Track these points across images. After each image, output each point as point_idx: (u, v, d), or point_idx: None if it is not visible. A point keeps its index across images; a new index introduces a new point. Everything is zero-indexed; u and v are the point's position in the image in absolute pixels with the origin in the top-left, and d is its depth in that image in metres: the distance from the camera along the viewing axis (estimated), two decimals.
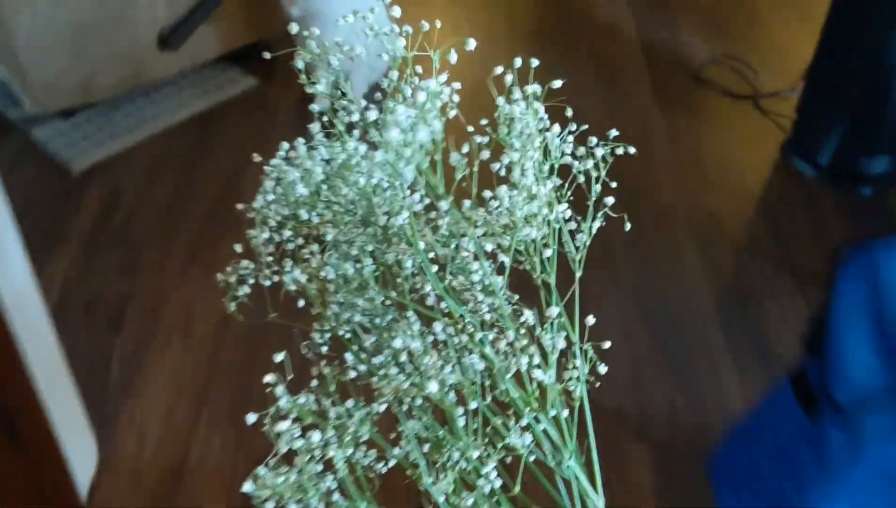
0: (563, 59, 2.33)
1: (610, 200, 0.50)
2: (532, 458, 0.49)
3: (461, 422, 0.49)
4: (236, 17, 2.26)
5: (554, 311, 0.48)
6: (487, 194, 0.50)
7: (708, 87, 2.29)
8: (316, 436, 0.47)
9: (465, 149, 0.50)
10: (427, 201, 0.51)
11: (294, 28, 0.51)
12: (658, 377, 1.60)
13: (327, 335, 0.53)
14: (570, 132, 0.50)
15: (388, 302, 0.53)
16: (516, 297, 0.51)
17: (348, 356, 0.52)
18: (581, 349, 0.49)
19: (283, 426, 0.46)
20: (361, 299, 0.52)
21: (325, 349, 0.53)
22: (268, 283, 0.52)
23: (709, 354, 1.64)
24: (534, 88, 0.49)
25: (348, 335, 0.53)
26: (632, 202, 1.69)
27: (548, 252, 0.50)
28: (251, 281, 0.53)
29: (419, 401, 0.49)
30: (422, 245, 0.50)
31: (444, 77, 0.48)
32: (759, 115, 2.19)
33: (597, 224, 0.51)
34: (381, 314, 0.52)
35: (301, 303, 0.53)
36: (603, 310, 1.66)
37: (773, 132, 2.12)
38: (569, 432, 0.50)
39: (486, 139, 0.49)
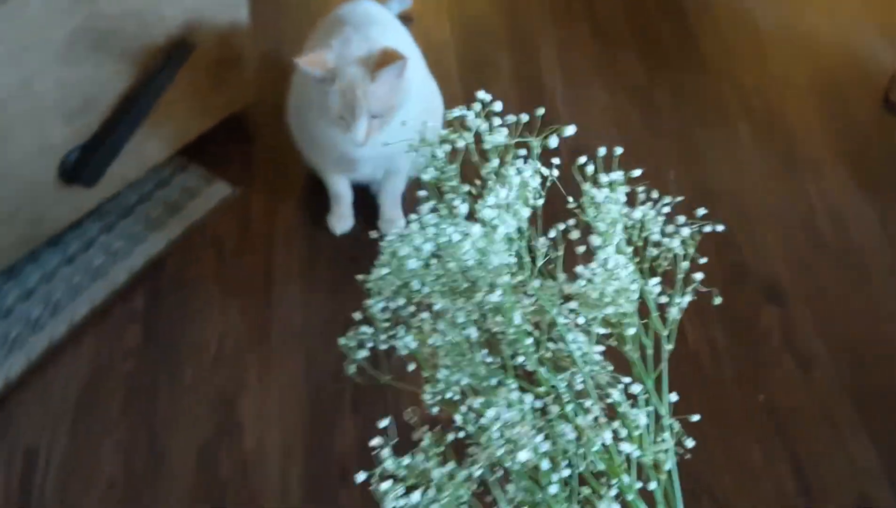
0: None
1: (699, 275, 0.51)
2: None
3: (553, 489, 0.50)
4: (191, 93, 1.65)
5: (637, 388, 0.49)
6: (579, 268, 0.53)
7: None
8: (416, 496, 0.50)
9: (552, 233, 0.53)
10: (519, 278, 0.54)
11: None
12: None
13: (437, 397, 0.56)
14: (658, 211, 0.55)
15: (491, 366, 0.55)
16: (610, 368, 0.52)
17: (457, 417, 0.54)
18: (669, 423, 0.50)
19: (386, 485, 0.50)
20: (467, 362, 0.54)
21: (435, 409, 0.55)
22: (383, 347, 0.57)
23: None
24: (616, 175, 0.52)
25: (456, 397, 0.55)
26: None
27: (631, 330, 0.50)
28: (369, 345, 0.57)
29: (517, 466, 0.50)
30: (517, 318, 0.51)
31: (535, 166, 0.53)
32: None
33: (687, 299, 0.51)
34: (485, 378, 0.54)
35: (411, 367, 0.57)
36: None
37: None
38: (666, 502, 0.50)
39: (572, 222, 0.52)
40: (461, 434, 0.53)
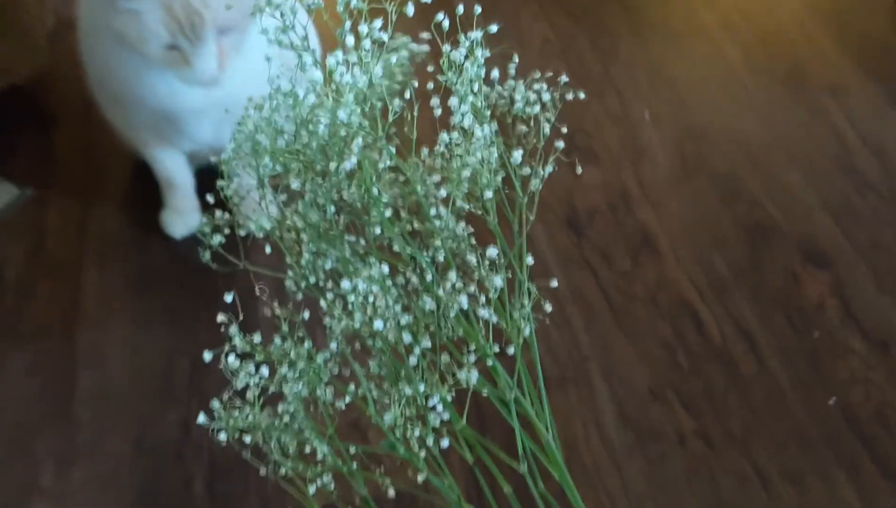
0: None
1: (560, 144, 0.57)
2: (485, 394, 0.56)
3: (413, 360, 0.54)
4: None
5: (492, 252, 0.54)
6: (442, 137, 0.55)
7: None
8: (264, 371, 0.54)
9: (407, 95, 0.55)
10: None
11: None
12: None
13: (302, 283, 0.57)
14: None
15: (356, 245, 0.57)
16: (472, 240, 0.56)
17: (323, 303, 0.55)
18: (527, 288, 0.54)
19: (235, 362, 0.53)
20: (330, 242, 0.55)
21: (300, 295, 0.57)
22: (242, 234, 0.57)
23: None
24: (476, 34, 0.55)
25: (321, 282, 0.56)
26: None
27: (488, 194, 0.55)
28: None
29: (379, 343, 0.54)
30: (374, 189, 0.53)
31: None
32: None
33: (548, 169, 0.57)
34: (349, 261, 0.55)
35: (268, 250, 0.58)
36: None
37: None
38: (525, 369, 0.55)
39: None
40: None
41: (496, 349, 0.57)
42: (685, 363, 1.05)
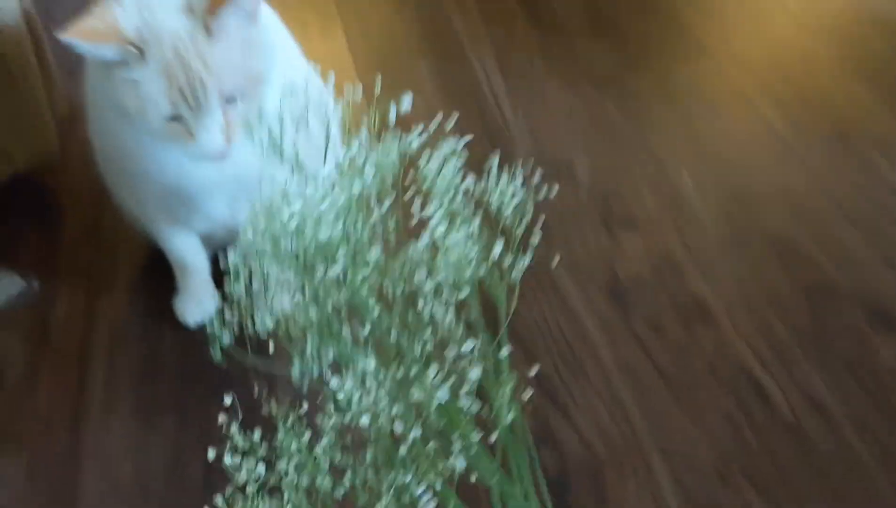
0: None
1: (536, 239, 0.55)
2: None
3: (403, 451, 0.55)
4: None
5: (468, 346, 0.55)
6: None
7: None
8: (261, 468, 0.56)
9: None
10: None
11: None
12: None
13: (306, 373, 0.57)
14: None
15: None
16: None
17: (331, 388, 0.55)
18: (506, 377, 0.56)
19: (232, 461, 0.56)
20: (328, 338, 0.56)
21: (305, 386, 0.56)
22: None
23: None
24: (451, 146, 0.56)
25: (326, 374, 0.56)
26: None
27: (465, 292, 0.56)
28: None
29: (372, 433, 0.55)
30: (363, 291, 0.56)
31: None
32: None
33: (526, 260, 0.56)
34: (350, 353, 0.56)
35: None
36: None
37: None
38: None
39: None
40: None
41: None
42: (752, 440, 0.94)
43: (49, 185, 1.28)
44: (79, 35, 0.81)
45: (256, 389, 0.63)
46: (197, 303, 1.09)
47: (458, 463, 0.55)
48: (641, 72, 1.47)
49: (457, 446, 0.56)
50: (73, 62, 1.25)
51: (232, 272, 0.58)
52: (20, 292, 1.14)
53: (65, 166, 1.30)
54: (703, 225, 1.19)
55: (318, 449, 0.57)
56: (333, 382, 0.55)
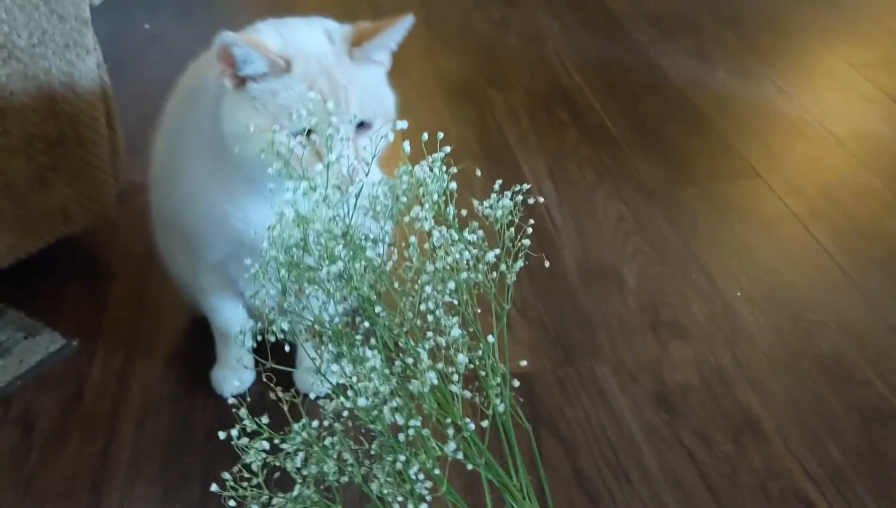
0: None
1: (527, 241, 0.64)
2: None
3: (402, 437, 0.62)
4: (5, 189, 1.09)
5: (455, 332, 0.62)
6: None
7: None
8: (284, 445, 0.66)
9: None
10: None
11: None
12: None
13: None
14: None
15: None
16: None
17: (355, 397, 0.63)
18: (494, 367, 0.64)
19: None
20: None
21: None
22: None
23: None
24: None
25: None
26: None
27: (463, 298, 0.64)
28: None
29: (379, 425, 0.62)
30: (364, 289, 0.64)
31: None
32: None
33: (518, 265, 0.64)
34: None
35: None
36: None
37: None
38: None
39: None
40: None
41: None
42: None
43: (99, 248, 1.29)
44: (240, 38, 0.79)
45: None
46: (235, 375, 1.07)
47: (450, 447, 0.61)
48: (690, 186, 1.48)
49: (450, 431, 0.62)
50: (132, 140, 1.29)
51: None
52: (59, 349, 1.13)
53: (115, 232, 1.31)
54: (754, 339, 1.16)
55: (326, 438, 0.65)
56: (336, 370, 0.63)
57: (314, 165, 0.76)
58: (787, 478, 0.97)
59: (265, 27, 0.86)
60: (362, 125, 0.83)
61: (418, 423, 0.61)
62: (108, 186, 1.20)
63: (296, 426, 0.65)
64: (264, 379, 0.66)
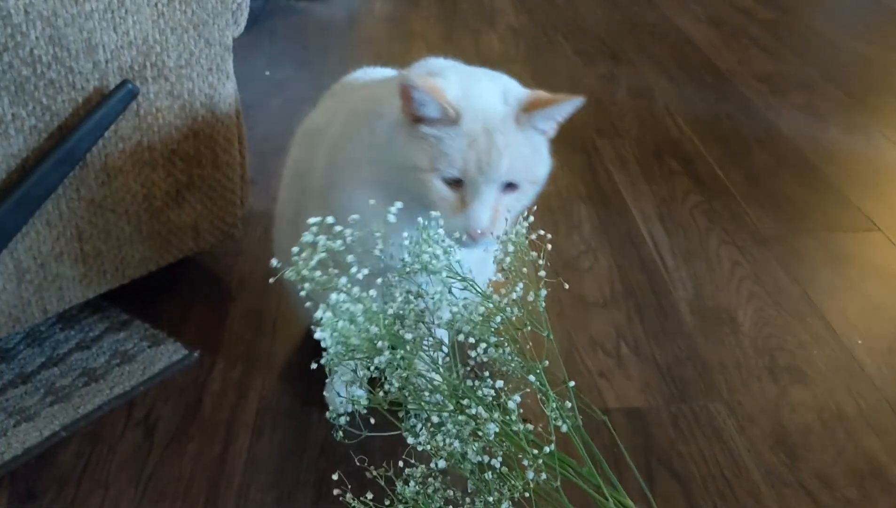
0: None
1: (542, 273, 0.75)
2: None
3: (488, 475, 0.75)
4: (141, 205, 1.14)
5: (499, 384, 0.75)
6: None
7: None
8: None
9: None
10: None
11: None
12: None
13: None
14: None
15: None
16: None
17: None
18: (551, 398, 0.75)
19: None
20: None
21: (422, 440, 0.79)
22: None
23: None
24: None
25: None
26: None
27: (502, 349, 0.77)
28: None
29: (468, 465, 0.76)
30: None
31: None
32: None
33: (544, 292, 0.76)
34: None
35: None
36: None
37: None
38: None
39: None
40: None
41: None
42: None
43: (220, 270, 1.34)
44: (421, 84, 0.85)
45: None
46: (347, 392, 1.09)
47: (529, 475, 0.71)
48: (806, 236, 1.46)
49: (525, 461, 0.72)
50: (252, 173, 1.34)
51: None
52: (181, 359, 1.17)
53: (236, 257, 1.37)
54: (877, 387, 1.12)
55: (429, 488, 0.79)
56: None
57: (455, 212, 0.88)
58: None
59: (452, 73, 0.91)
60: (510, 185, 0.89)
61: (498, 462, 0.73)
62: (236, 207, 1.25)
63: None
64: (357, 462, 0.82)
